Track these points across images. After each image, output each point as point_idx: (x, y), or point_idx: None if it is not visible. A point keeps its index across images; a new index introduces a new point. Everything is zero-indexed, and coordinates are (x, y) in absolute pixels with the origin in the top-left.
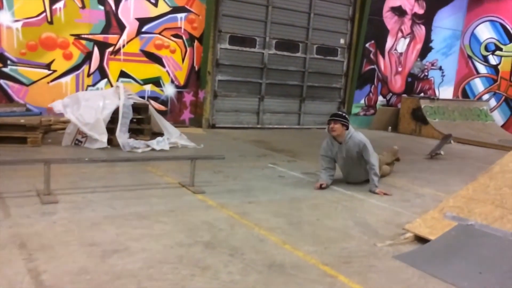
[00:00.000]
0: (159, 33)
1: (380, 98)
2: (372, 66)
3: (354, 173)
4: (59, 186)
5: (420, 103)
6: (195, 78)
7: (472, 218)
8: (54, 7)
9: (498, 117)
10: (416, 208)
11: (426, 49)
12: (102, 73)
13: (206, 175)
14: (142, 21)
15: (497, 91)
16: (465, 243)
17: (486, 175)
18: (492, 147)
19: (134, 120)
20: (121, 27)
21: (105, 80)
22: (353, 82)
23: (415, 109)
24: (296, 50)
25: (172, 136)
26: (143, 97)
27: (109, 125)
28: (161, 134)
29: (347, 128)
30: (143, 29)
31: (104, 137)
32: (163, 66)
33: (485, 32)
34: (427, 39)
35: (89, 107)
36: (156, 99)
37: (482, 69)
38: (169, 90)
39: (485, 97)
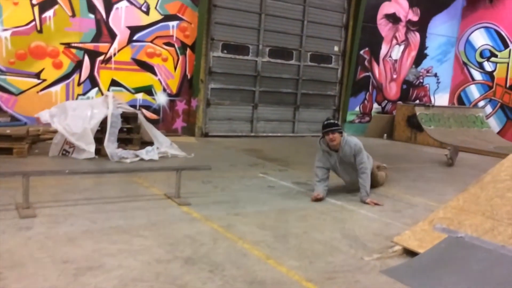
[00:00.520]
0: (151, 41)
1: (375, 105)
2: (367, 73)
3: (356, 179)
4: (39, 199)
5: (415, 110)
6: (188, 86)
7: (462, 230)
8: (43, 15)
9: (494, 124)
10: (407, 219)
11: (421, 56)
12: (92, 82)
13: (194, 186)
14: (134, 29)
15: (492, 98)
16: (454, 257)
17: (477, 185)
18: (487, 154)
19: (124, 129)
20: (112, 36)
21: (96, 89)
22: (348, 90)
23: (411, 116)
24: (290, 57)
25: (162, 146)
26: (134, 106)
27: (98, 135)
28: (151, 143)
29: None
30: (135, 38)
31: (91, 147)
32: (155, 74)
33: (480, 39)
34: (422, 46)
35: (76, 116)
36: (148, 107)
37: (477, 75)
38: (161, 99)
39: (481, 103)
